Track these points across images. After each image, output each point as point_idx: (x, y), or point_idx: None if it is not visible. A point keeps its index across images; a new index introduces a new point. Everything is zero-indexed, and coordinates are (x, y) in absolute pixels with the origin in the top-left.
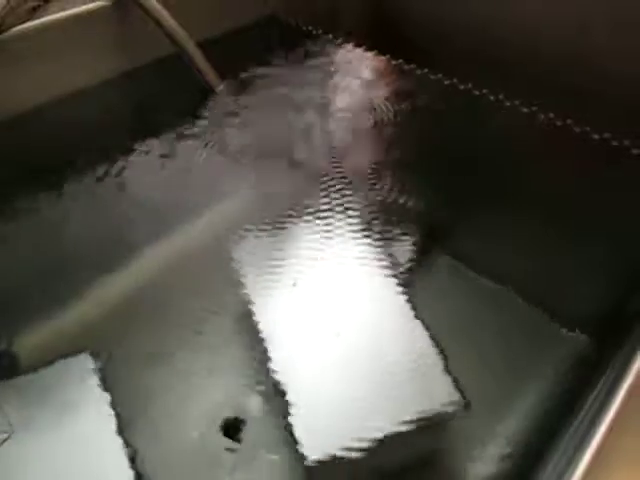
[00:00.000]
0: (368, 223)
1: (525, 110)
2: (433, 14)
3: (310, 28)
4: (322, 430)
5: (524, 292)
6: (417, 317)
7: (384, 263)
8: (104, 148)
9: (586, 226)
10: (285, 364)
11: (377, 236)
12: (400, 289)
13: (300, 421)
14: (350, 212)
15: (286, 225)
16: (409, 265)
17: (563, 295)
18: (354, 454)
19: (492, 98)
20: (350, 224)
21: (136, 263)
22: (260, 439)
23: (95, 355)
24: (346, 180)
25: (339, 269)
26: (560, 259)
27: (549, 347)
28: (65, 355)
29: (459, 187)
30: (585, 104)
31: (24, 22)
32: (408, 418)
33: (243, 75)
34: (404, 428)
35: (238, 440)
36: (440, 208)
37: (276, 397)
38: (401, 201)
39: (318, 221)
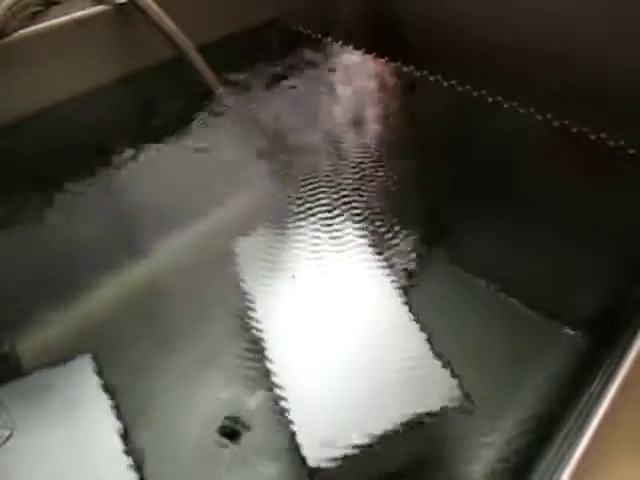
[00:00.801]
0: (368, 223)
1: (523, 111)
2: (432, 16)
3: (310, 31)
4: (322, 431)
5: (522, 290)
6: (417, 317)
7: (384, 263)
8: (105, 151)
9: (583, 225)
10: (285, 365)
11: (377, 237)
12: (400, 289)
13: (300, 421)
14: (350, 213)
15: (286, 225)
16: (409, 265)
17: (560, 293)
18: (355, 455)
19: (490, 99)
20: (350, 225)
21: (137, 264)
22: (259, 439)
23: (96, 356)
24: (346, 181)
25: (339, 269)
26: (558, 258)
27: (547, 345)
28: (67, 356)
29: (458, 188)
30: (582, 105)
31: (25, 27)
32: (408, 418)
33: (243, 78)
34: (404, 429)
35: (237, 441)
36: (439, 208)
37: (276, 398)
38: (401, 201)
39: (318, 221)
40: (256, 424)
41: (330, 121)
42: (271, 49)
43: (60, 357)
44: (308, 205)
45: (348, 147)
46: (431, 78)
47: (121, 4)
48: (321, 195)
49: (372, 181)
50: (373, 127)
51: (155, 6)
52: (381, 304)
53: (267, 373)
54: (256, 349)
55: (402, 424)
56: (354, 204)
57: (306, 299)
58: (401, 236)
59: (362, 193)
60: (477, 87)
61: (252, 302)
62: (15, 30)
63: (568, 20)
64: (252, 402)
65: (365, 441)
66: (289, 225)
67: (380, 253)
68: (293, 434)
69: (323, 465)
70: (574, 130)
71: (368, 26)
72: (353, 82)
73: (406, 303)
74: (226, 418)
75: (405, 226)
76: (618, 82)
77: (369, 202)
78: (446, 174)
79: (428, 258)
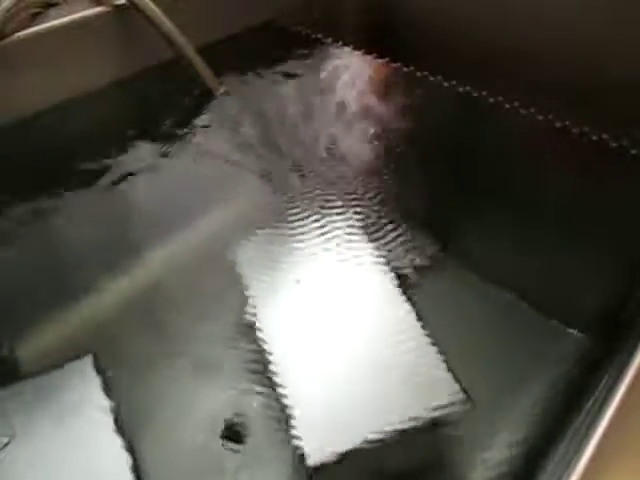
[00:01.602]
0: (369, 224)
1: (524, 112)
2: (431, 17)
3: (309, 32)
4: (323, 432)
5: (525, 292)
6: (420, 318)
7: (386, 264)
8: (104, 153)
9: (585, 226)
10: (287, 365)
11: (378, 237)
12: (402, 290)
13: (301, 422)
14: (351, 213)
15: (287, 227)
16: (411, 266)
17: (563, 294)
18: (356, 455)
19: (491, 100)
20: (352, 225)
21: (137, 266)
22: (261, 440)
23: (96, 359)
24: (346, 181)
25: (341, 270)
26: (560, 259)
27: (550, 346)
28: (66, 359)
29: (458, 188)
30: (583, 105)
31: (24, 29)
32: (410, 418)
33: (243, 79)
34: (406, 429)
35: (239, 442)
36: (440, 209)
37: (277, 398)
38: (402, 202)
39: (319, 223)
40: (258, 425)
41: (330, 122)
42: (270, 49)
43: (59, 360)
44: (308, 207)
45: (348, 148)
46: (431, 78)
47: (120, 5)
48: (321, 196)
49: (372, 182)
50: (373, 128)
51: (154, 7)
52: (383, 305)
53: (269, 374)
54: (258, 350)
55: (403, 425)
56: (355, 205)
57: (308, 300)
58: (403, 238)
59: (363, 195)
60: (478, 88)
61: (254, 304)
62: (14, 32)
63: (568, 20)
64: (254, 403)
65: (366, 442)
66: (290, 226)
67: (381, 254)
68: (294, 435)
69: (324, 466)
70: (575, 131)
71: (368, 26)
72: (352, 83)
73: (408, 304)
74: (228, 419)
75: (407, 228)
76: (619, 82)
77: (370, 203)
78: (447, 175)
79: (430, 259)
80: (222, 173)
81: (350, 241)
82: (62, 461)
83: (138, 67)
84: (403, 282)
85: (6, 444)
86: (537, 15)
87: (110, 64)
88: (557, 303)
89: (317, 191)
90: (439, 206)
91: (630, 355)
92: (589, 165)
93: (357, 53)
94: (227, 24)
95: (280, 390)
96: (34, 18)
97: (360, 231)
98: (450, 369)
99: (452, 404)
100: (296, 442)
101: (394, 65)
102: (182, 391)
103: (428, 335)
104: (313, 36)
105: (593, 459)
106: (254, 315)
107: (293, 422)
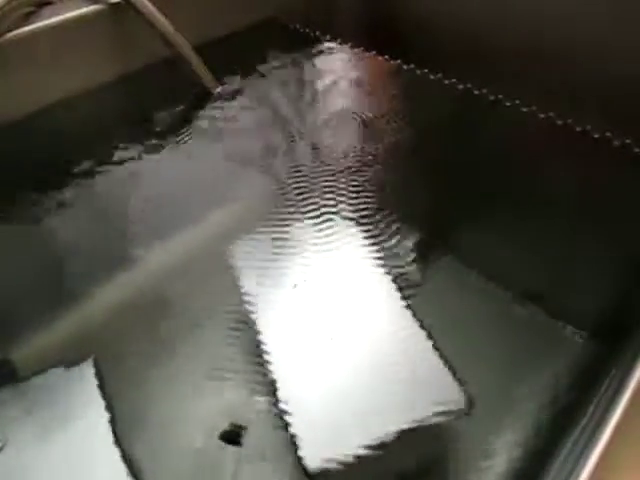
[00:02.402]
0: (368, 224)
1: (525, 109)
2: (432, 14)
3: (308, 30)
4: (322, 433)
5: (527, 293)
6: (418, 318)
7: (384, 266)
8: (101, 152)
9: (589, 226)
10: (285, 367)
11: (377, 237)
12: (401, 291)
13: (300, 424)
14: (350, 214)
15: (285, 228)
16: (409, 265)
17: (566, 296)
18: (355, 459)
19: (492, 98)
20: (350, 226)
21: (135, 268)
22: (260, 443)
23: (93, 363)
24: (346, 182)
25: (340, 271)
26: (563, 259)
27: (553, 349)
28: (61, 363)
29: (459, 187)
30: (586, 103)
31: (18, 28)
32: (410, 420)
33: (241, 78)
34: (406, 430)
35: (238, 445)
36: (440, 208)
37: (276, 401)
38: (401, 202)
39: (317, 223)
40: (257, 429)
41: (329, 120)
42: (268, 48)
43: (54, 364)
44: (307, 207)
45: (347, 147)
46: (431, 76)
47: (115, 3)
48: (320, 196)
49: (371, 182)
50: (372, 126)
51: (150, 5)
52: (382, 307)
53: (268, 377)
54: (256, 353)
55: (403, 427)
56: (354, 205)
57: (306, 302)
58: (401, 238)
59: (361, 194)
60: (478, 86)
61: (252, 308)
62: (8, 31)
63: (570, 18)
64: (253, 407)
65: (366, 445)
66: (288, 227)
67: (381, 254)
68: (293, 438)
69: (323, 469)
70: (578, 129)
71: (367, 24)
72: (352, 81)
73: (407, 306)
74: (227, 423)
75: (405, 228)
76: (622, 80)
77: (369, 203)
78: (447, 173)
79: (429, 260)
80: (220, 173)
81: (350, 242)
82: (56, 467)
83: (134, 66)
84: (403, 282)
85: (0, 448)
86: (538, 12)
87: (106, 62)
88: (559, 304)
89: (317, 191)
90: (439, 206)
91: (635, 357)
92: (591, 163)
93: (356, 51)
94: (226, 22)
95: (279, 394)
96: (28, 17)
97: (359, 231)
98: (451, 373)
99: (452, 408)
100: (295, 445)
101: (394, 63)
102: (180, 395)
103: (428, 336)
104: (312, 34)
105: (597, 463)
106: (253, 316)
107: (292, 425)
